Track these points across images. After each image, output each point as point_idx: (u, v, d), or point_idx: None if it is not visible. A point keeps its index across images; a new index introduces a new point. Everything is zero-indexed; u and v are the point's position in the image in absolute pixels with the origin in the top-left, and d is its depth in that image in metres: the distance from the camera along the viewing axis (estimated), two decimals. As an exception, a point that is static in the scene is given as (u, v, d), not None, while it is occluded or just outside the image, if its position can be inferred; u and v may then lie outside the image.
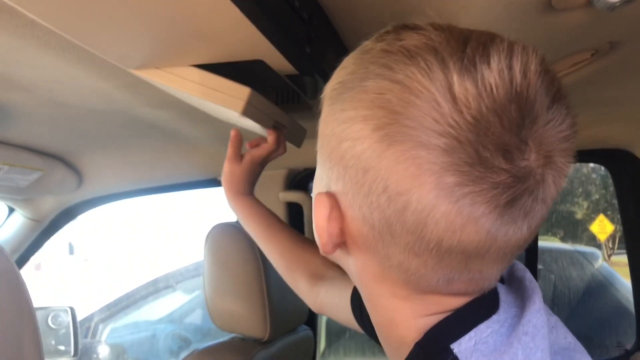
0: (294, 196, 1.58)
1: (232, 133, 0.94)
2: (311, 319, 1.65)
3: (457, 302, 0.44)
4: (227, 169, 0.94)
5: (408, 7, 0.72)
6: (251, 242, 1.13)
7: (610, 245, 4.24)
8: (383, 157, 0.38)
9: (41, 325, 1.96)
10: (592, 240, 4.35)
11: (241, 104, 0.74)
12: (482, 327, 0.42)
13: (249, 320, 1.10)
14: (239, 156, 0.94)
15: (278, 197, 1.58)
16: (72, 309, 2.04)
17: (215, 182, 1.64)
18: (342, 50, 0.87)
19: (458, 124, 0.36)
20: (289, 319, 1.19)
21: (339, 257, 0.49)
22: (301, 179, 1.65)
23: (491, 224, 0.38)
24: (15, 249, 1.75)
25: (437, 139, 0.36)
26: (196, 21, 0.60)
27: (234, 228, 1.15)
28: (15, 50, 0.78)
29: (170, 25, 0.62)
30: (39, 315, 1.99)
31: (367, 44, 0.44)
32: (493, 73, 0.36)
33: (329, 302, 0.84)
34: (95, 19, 0.60)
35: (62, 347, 2.00)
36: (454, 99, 0.36)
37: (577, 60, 0.88)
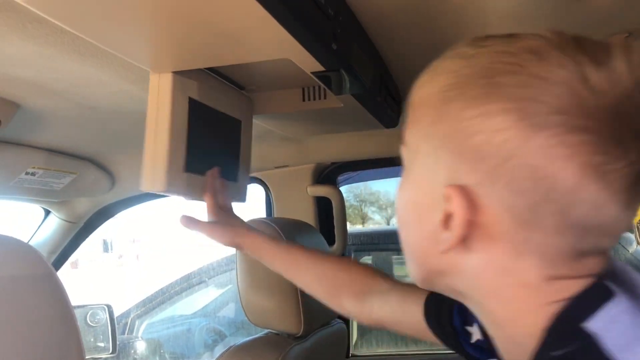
0: (323, 190, 1.58)
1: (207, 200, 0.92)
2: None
3: (581, 285, 0.45)
4: (215, 228, 0.92)
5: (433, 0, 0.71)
6: (282, 238, 1.13)
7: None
8: (529, 144, 0.41)
9: (80, 323, 2.01)
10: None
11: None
12: (610, 305, 0.43)
13: (283, 316, 1.11)
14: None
15: (307, 192, 1.59)
16: (109, 307, 2.08)
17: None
18: (367, 45, 0.86)
19: (598, 109, 0.40)
20: (322, 313, 1.19)
21: (449, 261, 0.49)
22: (328, 173, 1.65)
23: (625, 201, 0.42)
24: (53, 251, 1.79)
25: (581, 122, 0.40)
26: (222, 22, 0.60)
27: (266, 224, 1.16)
28: (46, 57, 0.80)
29: (195, 27, 0.62)
30: (77, 313, 2.03)
31: (465, 50, 0.47)
32: (619, 64, 0.41)
33: (387, 315, 0.84)
34: (120, 24, 0.60)
35: (101, 344, 2.05)
36: (591, 87, 0.40)
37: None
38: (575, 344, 0.43)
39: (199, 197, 0.87)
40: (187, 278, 3.29)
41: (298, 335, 1.13)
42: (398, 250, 2.81)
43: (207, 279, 3.15)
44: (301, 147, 1.48)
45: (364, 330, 1.98)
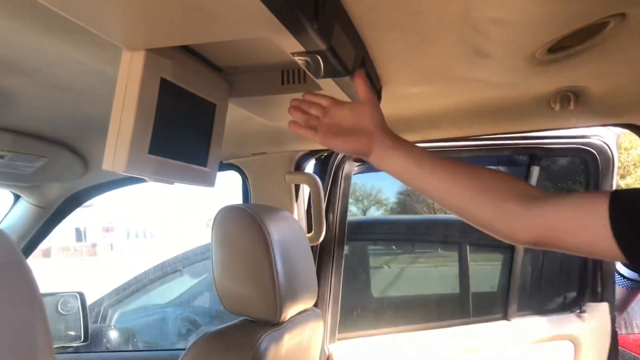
0: (300, 178, 1.56)
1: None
2: (320, 300, 1.65)
3: None
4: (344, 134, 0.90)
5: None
6: (259, 224, 1.12)
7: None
8: None
9: (51, 311, 1.97)
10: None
11: None
12: None
13: (259, 303, 1.10)
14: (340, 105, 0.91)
15: (284, 179, 1.57)
16: (81, 294, 2.04)
17: (220, 166, 1.63)
18: (349, 27, 0.85)
19: None
20: (298, 300, 1.18)
21: None
22: (299, 160, 1.64)
23: None
24: (23, 237, 1.75)
25: None
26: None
27: (242, 210, 1.14)
28: (14, 32, 0.77)
29: (172, 2, 0.60)
30: (48, 301, 1.99)
31: None
32: None
33: (563, 220, 0.76)
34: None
35: (72, 333, 2.01)
36: None
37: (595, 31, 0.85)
38: None
39: (163, 179, 0.85)
40: (162, 267, 3.25)
41: (274, 322, 1.12)
42: (373, 240, 2.83)
43: (181, 268, 3.12)
44: (279, 134, 1.46)
45: (341, 317, 1.97)
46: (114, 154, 0.74)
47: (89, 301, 3.14)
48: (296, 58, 0.78)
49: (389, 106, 1.24)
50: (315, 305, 1.70)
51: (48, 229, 1.79)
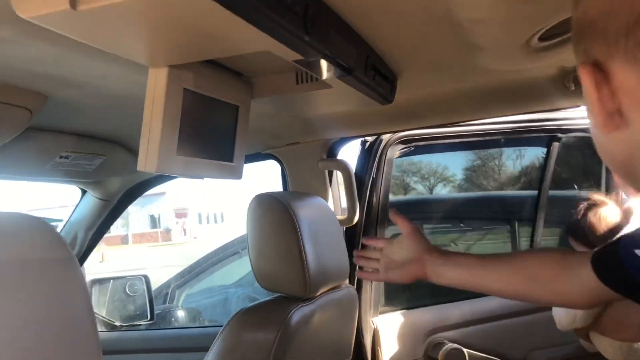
0: (333, 164, 1.67)
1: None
2: (354, 277, 1.75)
3: None
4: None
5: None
6: (287, 210, 1.23)
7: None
8: None
9: (119, 293, 2.18)
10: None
11: None
12: None
13: (289, 280, 1.22)
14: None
15: (318, 166, 1.68)
16: (146, 277, 2.24)
17: (260, 156, 1.76)
18: (347, 31, 0.93)
19: None
20: (328, 277, 1.29)
21: (612, 142, 0.52)
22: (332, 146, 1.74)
23: None
24: (90, 227, 1.95)
25: None
26: (204, 26, 0.69)
27: (273, 198, 1.26)
28: (62, 56, 0.91)
29: (183, 30, 0.72)
30: (117, 284, 2.21)
31: None
32: None
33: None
34: (122, 33, 0.71)
35: (140, 312, 2.22)
36: None
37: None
38: None
39: (193, 175, 0.97)
40: (222, 249, 3.44)
41: (305, 297, 1.24)
42: (422, 219, 2.89)
43: (240, 250, 3.29)
44: (308, 124, 1.57)
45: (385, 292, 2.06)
46: (146, 156, 0.87)
47: (157, 283, 3.37)
48: (298, 65, 0.88)
49: (407, 93, 1.32)
50: (359, 282, 1.81)
51: (112, 219, 1.99)
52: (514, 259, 0.97)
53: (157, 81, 0.86)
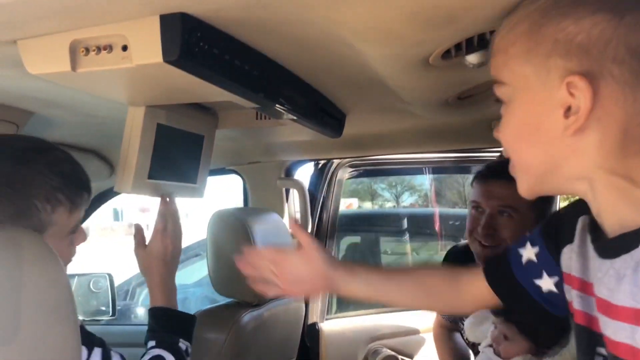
0: (289, 183, 1.85)
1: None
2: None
3: None
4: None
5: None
6: (243, 224, 1.40)
7: None
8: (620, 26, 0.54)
9: (84, 289, 2.29)
10: None
11: None
12: None
13: (242, 287, 1.37)
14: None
15: (276, 184, 1.86)
16: (109, 275, 2.35)
17: (224, 171, 1.92)
18: (298, 84, 1.10)
19: None
20: (276, 286, 1.46)
21: (565, 155, 0.60)
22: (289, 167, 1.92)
23: None
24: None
25: None
26: (175, 84, 0.86)
27: (231, 215, 1.43)
28: (48, 83, 1.06)
29: (156, 85, 0.88)
30: (82, 280, 2.31)
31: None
32: None
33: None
34: (107, 85, 0.87)
35: (102, 308, 2.32)
36: None
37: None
38: None
39: (160, 195, 1.14)
40: (185, 250, 3.53)
41: (254, 303, 1.41)
42: (385, 232, 3.09)
43: (201, 252, 3.41)
44: (268, 147, 1.74)
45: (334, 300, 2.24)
46: (122, 179, 1.03)
47: (120, 280, 3.45)
48: (257, 110, 1.05)
49: (355, 128, 1.50)
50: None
51: (83, 219, 2.11)
52: (414, 273, 1.01)
53: (135, 118, 1.03)
